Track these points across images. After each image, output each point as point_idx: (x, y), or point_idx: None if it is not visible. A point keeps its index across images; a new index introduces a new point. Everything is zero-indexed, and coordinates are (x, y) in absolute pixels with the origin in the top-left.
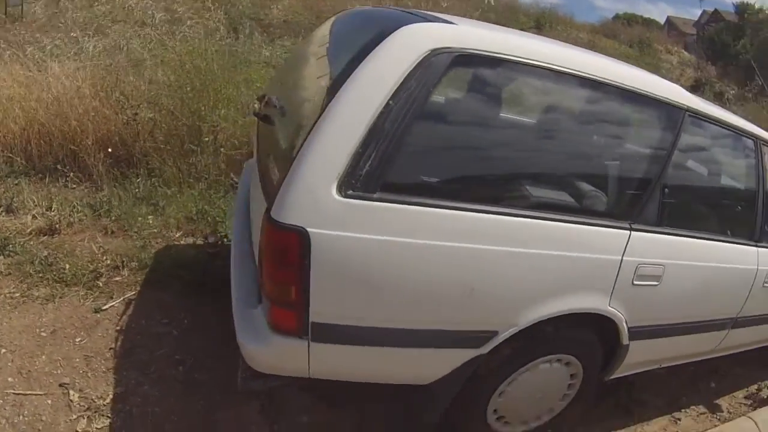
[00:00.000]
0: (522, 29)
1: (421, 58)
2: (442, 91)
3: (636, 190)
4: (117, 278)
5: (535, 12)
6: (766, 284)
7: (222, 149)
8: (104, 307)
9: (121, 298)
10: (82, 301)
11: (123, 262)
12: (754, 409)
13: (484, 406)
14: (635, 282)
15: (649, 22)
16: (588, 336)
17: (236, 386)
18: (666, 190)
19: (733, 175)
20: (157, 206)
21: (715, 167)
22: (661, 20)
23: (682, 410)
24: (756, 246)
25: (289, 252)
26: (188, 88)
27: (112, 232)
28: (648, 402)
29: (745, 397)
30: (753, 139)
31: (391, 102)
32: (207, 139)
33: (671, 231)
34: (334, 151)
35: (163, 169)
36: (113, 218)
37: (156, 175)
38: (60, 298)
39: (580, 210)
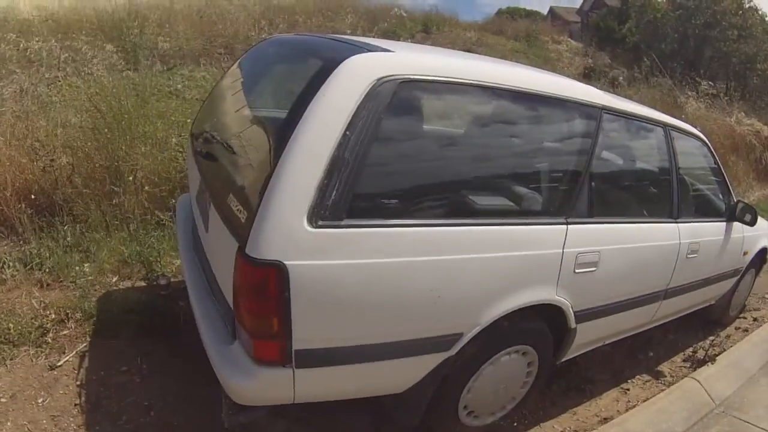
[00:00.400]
0: (411, 35)
1: (369, 88)
2: (391, 117)
3: (568, 187)
4: (65, 332)
5: (420, 16)
6: (689, 256)
7: (146, 187)
8: (59, 363)
9: (74, 352)
10: (33, 360)
11: (67, 314)
12: (694, 370)
13: (455, 404)
14: (576, 270)
15: (532, 14)
16: (539, 325)
17: (217, 424)
18: (593, 183)
19: (648, 161)
20: (88, 252)
21: (632, 156)
22: (544, 11)
23: (629, 381)
24: (676, 222)
25: (268, 286)
26: (105, 130)
27: (48, 284)
28: (596, 378)
29: (683, 360)
30: (662, 127)
31: (348, 132)
32: (130, 178)
33: (601, 220)
34: (301, 185)
35: (87, 214)
36: (46, 270)
37: (81, 220)
38: (11, 360)
39: (523, 212)
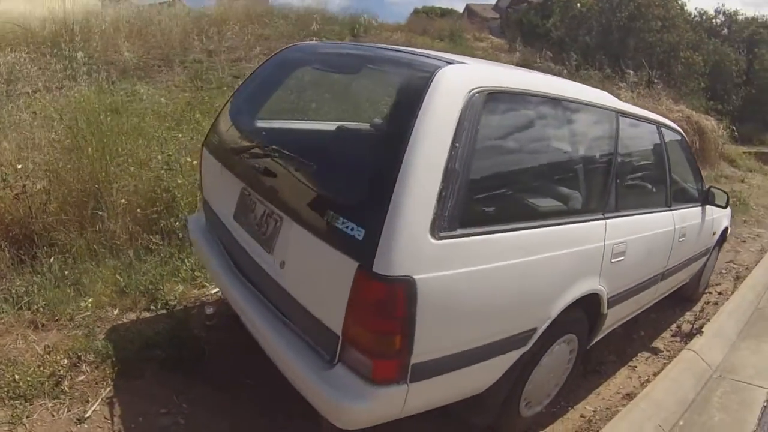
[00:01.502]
0: (340, 39)
1: (466, 99)
2: (484, 127)
3: (603, 186)
4: (81, 377)
5: (347, 19)
6: (680, 240)
7: (138, 210)
8: (86, 415)
9: (99, 399)
10: (54, 414)
11: (78, 357)
12: (685, 343)
13: (519, 397)
14: (612, 260)
15: (448, 12)
16: (581, 313)
17: None
18: (618, 180)
19: (649, 158)
20: (80, 285)
21: (639, 155)
22: (459, 8)
23: (633, 359)
24: (671, 210)
25: (397, 303)
26: (85, 149)
27: (43, 325)
28: (605, 360)
29: (672, 336)
30: (656, 125)
31: (456, 144)
32: (120, 201)
33: (625, 213)
34: (424, 198)
35: (70, 243)
36: (38, 309)
37: (64, 250)
38: (27, 417)
39: (576, 211)
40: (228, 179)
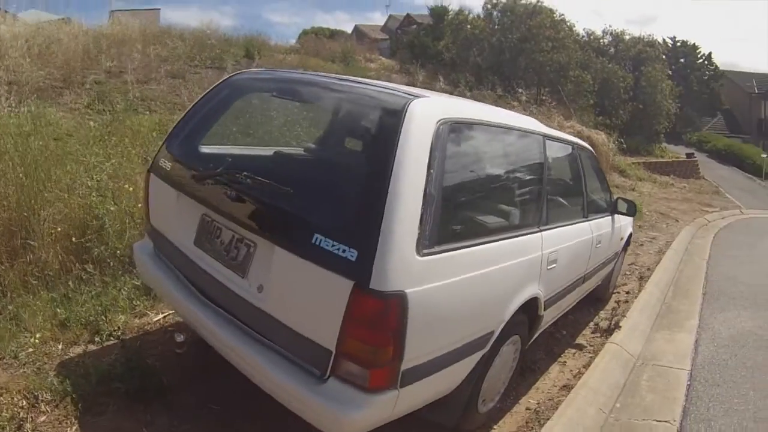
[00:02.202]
0: (236, 60)
1: (435, 129)
2: (450, 154)
3: (538, 202)
4: (42, 418)
5: (242, 40)
6: (596, 246)
7: (73, 238)
8: None
9: None
10: None
11: (35, 396)
12: (606, 338)
13: (477, 396)
14: (548, 267)
15: (336, 33)
16: (522, 316)
17: None
18: (548, 197)
19: (569, 175)
20: (18, 320)
21: (559, 172)
22: (345, 29)
23: (561, 356)
24: (588, 221)
25: (390, 316)
26: (20, 174)
27: None
28: (537, 358)
29: (592, 332)
30: (571, 145)
31: (431, 170)
32: (52, 229)
33: (555, 225)
34: (410, 220)
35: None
36: None
37: None
38: None
39: (522, 225)
40: (185, 205)
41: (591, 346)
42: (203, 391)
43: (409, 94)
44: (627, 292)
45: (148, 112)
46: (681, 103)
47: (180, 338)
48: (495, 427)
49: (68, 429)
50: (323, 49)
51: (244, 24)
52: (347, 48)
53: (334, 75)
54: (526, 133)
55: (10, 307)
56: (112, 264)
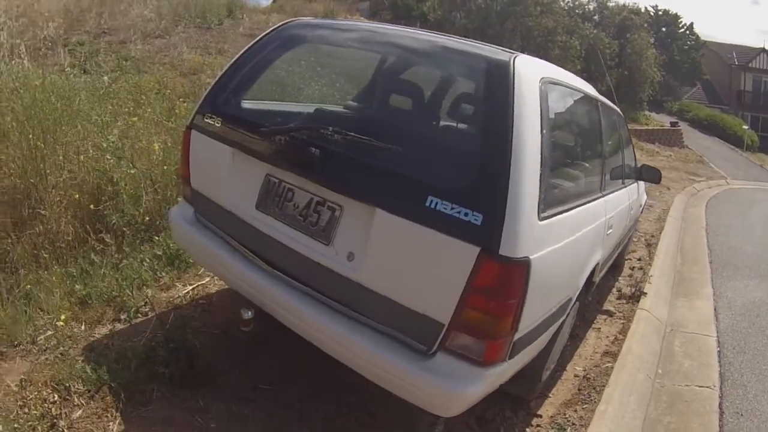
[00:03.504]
0: (220, 21)
1: (540, 88)
2: (551, 113)
3: (601, 167)
4: (78, 413)
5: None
6: (630, 211)
7: (91, 205)
8: None
9: None
10: None
11: (65, 388)
12: (633, 304)
13: (545, 363)
14: (607, 232)
15: None
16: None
17: None
18: (605, 161)
19: (614, 140)
20: (30, 299)
21: (609, 137)
22: None
23: (594, 322)
24: (625, 186)
25: (516, 284)
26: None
27: (1, 354)
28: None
29: (617, 299)
30: (614, 110)
31: (544, 130)
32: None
33: (610, 191)
34: (532, 183)
35: (5, 250)
36: None
37: (3, 260)
38: None
39: (594, 190)
40: (243, 165)
41: (619, 312)
42: (250, 370)
43: (500, 50)
44: (639, 259)
45: (137, 73)
46: (663, 72)
47: (248, 314)
48: (550, 394)
49: (111, 424)
50: (304, 9)
51: None
52: (329, 8)
53: (400, 27)
54: (590, 96)
55: (21, 285)
56: (128, 233)
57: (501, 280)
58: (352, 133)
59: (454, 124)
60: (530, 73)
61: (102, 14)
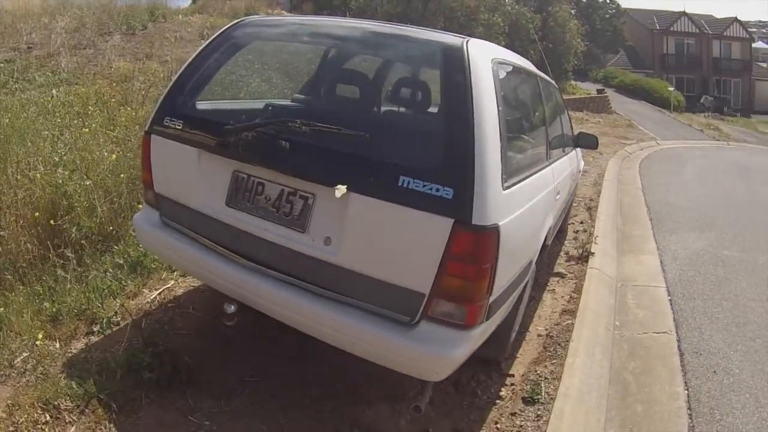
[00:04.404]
0: (144, 26)
1: (493, 68)
2: (502, 92)
3: (546, 137)
4: (71, 430)
5: (146, 7)
6: (572, 177)
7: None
8: None
9: None
10: None
11: (54, 407)
12: (583, 264)
13: (512, 326)
14: (556, 198)
15: None
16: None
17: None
18: (548, 130)
19: (553, 111)
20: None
21: (550, 108)
22: None
23: (548, 284)
24: (566, 154)
25: (489, 250)
26: None
27: None
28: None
29: (566, 261)
30: (550, 83)
31: (499, 106)
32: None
33: (555, 159)
34: (495, 156)
35: None
36: None
37: None
38: None
39: (544, 158)
40: (209, 164)
41: (570, 273)
42: (233, 365)
43: (453, 36)
44: (581, 222)
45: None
46: (586, 41)
47: (231, 309)
48: (518, 355)
49: None
50: (225, 6)
51: None
52: (249, 4)
53: (347, 20)
54: (531, 73)
55: None
56: (86, 245)
57: (475, 247)
58: (320, 124)
59: (416, 108)
60: (482, 54)
61: (26, 30)
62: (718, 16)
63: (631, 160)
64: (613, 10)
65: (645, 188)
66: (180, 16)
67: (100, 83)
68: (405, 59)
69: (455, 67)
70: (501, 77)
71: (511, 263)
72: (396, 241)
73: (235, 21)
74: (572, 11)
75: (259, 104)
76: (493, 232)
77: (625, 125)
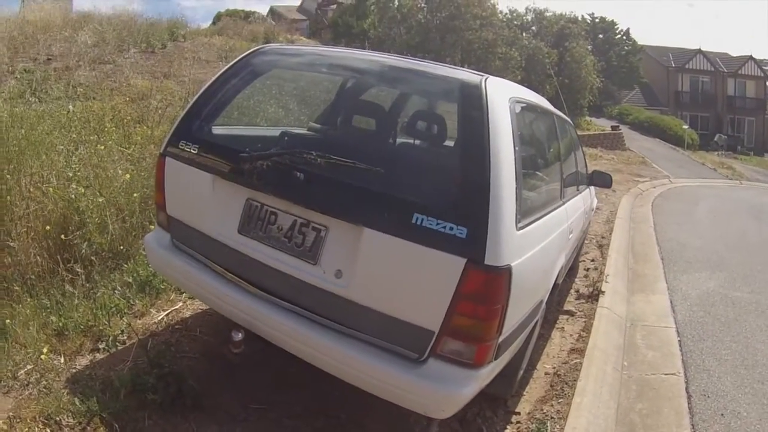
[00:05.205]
0: (163, 45)
1: (510, 107)
2: (520, 131)
3: (561, 176)
4: None
5: (166, 25)
6: (585, 215)
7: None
8: None
9: None
10: None
11: (56, 422)
12: (593, 303)
13: (521, 363)
14: (569, 237)
15: (251, 15)
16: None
17: None
18: (563, 169)
19: (568, 149)
20: (5, 334)
21: (565, 146)
22: (260, 10)
23: (558, 322)
24: (580, 192)
25: (501, 290)
26: None
27: None
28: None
29: (576, 298)
30: (566, 121)
31: (516, 146)
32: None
33: (569, 198)
34: (510, 196)
35: None
36: None
37: None
38: None
39: (556, 198)
40: (223, 191)
41: (580, 311)
42: (238, 391)
43: (471, 73)
44: (592, 260)
45: (84, 99)
46: (602, 78)
47: (238, 336)
48: (525, 392)
49: None
50: (244, 30)
51: (151, 8)
52: (269, 29)
53: (366, 52)
54: (547, 111)
55: None
56: (96, 262)
57: (487, 287)
58: (336, 157)
59: (432, 144)
60: (500, 93)
61: (47, 41)
62: (734, 54)
63: (644, 197)
64: (630, 47)
65: (657, 226)
66: (202, 37)
67: (117, 99)
68: (423, 94)
69: (473, 105)
70: (518, 116)
71: (522, 303)
72: (407, 278)
73: (255, 48)
74: (589, 47)
75: (275, 132)
76: (506, 272)
77: (638, 162)
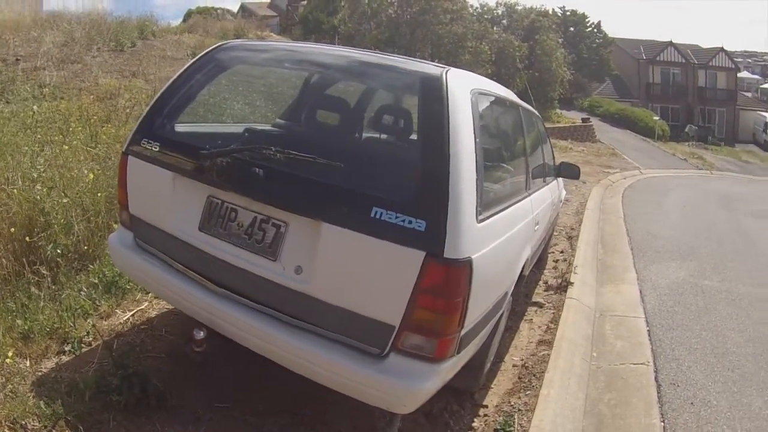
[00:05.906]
0: (132, 43)
1: (472, 98)
2: (481, 122)
3: (526, 168)
4: None
5: (136, 23)
6: (552, 206)
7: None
8: None
9: None
10: None
11: (22, 426)
12: (561, 294)
13: (486, 356)
14: (534, 229)
15: (222, 12)
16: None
17: None
18: (528, 161)
19: (534, 141)
20: None
21: (531, 138)
22: (231, 7)
23: (526, 314)
24: (547, 184)
25: (461, 283)
26: None
27: None
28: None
29: (545, 290)
30: (532, 113)
31: (476, 138)
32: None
33: (534, 189)
34: (470, 189)
35: None
36: None
37: None
38: None
39: (521, 190)
40: (184, 188)
41: (549, 303)
42: (202, 390)
43: (434, 65)
44: (561, 252)
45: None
46: (573, 70)
47: (200, 335)
48: (492, 385)
49: None
50: (214, 27)
51: (121, 6)
52: (239, 25)
53: (332, 46)
54: (512, 103)
55: None
56: (62, 263)
57: (447, 281)
58: (295, 152)
59: (393, 138)
60: (461, 85)
61: (14, 42)
62: (705, 46)
63: (614, 189)
64: (600, 40)
65: (627, 217)
66: (172, 35)
67: (84, 99)
68: (386, 88)
69: (433, 97)
70: (480, 108)
71: (485, 296)
72: (367, 273)
73: (218, 44)
74: (559, 40)
75: (238, 129)
76: (466, 265)
77: (609, 154)
